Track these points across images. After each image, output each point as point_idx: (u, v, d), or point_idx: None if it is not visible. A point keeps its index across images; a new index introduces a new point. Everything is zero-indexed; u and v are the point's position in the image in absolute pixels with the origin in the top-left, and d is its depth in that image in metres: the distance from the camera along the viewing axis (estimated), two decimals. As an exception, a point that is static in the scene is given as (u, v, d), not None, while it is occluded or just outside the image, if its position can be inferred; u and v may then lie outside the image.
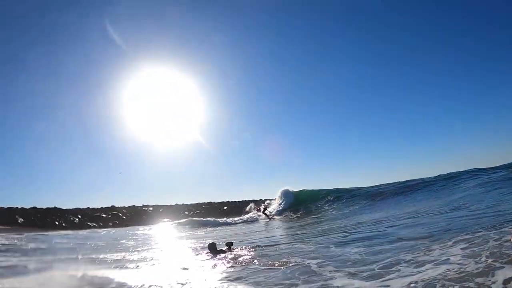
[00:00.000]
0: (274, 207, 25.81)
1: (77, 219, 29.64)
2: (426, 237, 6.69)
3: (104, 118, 63.60)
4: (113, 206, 34.75)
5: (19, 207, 29.11)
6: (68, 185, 60.83)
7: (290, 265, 5.29)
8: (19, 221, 28.46)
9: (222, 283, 4.62)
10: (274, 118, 74.83)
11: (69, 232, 22.21)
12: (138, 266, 6.19)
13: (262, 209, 23.92)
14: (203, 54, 61.30)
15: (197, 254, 7.68)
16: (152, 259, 7.02)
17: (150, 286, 4.58)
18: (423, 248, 5.49)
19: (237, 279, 4.81)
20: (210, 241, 8.59)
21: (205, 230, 18.20)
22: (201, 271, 5.59)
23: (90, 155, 66.27)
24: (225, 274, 5.14)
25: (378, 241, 6.94)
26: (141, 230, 20.83)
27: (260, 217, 23.20)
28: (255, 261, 6.07)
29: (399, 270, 4.35)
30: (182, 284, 4.61)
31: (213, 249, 7.81)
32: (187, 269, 5.64)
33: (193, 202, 38.88)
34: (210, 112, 60.17)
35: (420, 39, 63.60)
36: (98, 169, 68.37)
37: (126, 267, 6.00)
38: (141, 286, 4.55)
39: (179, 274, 5.30)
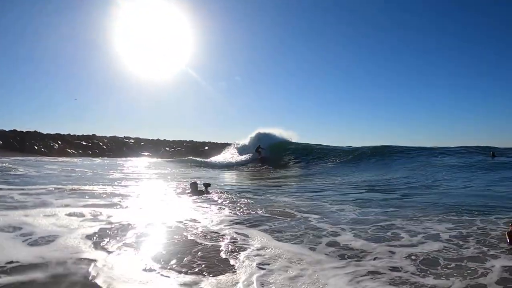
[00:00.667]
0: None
1: (56, 145, 29.73)
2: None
3: (93, 47, 61.37)
4: (94, 135, 34.85)
5: (-3, 129, 28.71)
6: (50, 110, 60.07)
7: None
8: (-4, 142, 28.44)
9: (233, 229, 4.54)
10: (268, 67, 74.11)
11: (53, 159, 22.31)
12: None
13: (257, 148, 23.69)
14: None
15: (178, 194, 7.92)
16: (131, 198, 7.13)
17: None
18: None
19: (253, 226, 4.71)
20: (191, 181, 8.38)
21: (183, 169, 18.55)
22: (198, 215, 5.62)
23: (74, 82, 64.71)
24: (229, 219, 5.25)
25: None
26: (120, 162, 20.99)
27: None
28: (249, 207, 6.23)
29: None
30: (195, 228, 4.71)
31: (195, 189, 7.63)
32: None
33: (175, 139, 39.26)
34: (203, 47, 58.50)
35: None
36: (81, 97, 67.24)
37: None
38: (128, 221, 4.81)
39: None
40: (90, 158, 26.02)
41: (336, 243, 3.91)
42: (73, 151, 30.00)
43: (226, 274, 2.95)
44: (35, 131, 30.04)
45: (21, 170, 11.55)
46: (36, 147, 27.76)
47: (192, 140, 39.82)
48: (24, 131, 29.27)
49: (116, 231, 4.20)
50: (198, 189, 7.73)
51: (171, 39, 46.75)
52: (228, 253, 3.48)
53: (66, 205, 5.58)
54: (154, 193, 8.16)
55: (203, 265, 3.13)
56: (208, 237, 4.11)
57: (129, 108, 69.59)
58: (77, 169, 13.64)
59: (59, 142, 30.35)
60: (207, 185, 8.12)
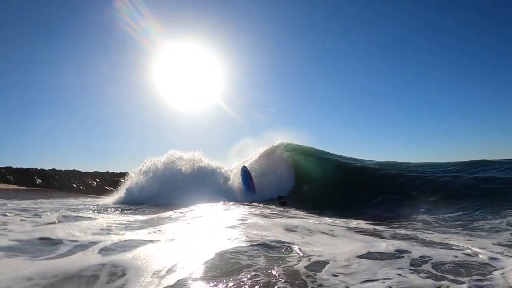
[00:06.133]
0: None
1: (95, 183, 28.91)
2: None
3: (132, 87, 63.02)
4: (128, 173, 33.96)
5: (38, 168, 28.32)
6: (87, 149, 61.10)
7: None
8: (37, 182, 27.84)
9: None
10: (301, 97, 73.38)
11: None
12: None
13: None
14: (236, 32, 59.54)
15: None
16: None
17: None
18: None
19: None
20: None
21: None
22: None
23: (108, 120, 66.08)
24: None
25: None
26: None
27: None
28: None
29: None
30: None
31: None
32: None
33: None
34: (236, 82, 58.50)
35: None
36: (118, 135, 68.28)
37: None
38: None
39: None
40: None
41: None
42: (111, 188, 29.03)
43: None
44: (73, 169, 29.43)
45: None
46: (74, 185, 26.93)
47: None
48: (63, 169, 28.69)
49: None
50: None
51: (205, 77, 46.90)
52: None
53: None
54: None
55: None
56: None
57: (165, 144, 69.66)
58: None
59: (97, 180, 29.51)
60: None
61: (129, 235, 5.30)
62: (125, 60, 60.18)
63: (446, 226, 6.76)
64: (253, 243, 4.20)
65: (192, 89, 47.62)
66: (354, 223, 6.39)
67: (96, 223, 6.79)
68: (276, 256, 3.77)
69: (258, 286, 2.91)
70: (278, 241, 4.35)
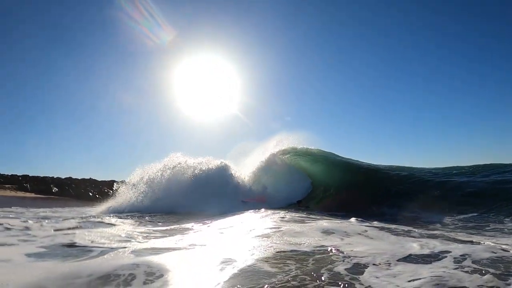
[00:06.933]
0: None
1: (111, 191, 29.20)
2: None
3: (150, 97, 63.88)
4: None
5: (54, 177, 28.75)
6: (104, 158, 62.02)
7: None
8: (53, 190, 28.26)
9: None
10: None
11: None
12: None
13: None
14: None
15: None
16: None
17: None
18: None
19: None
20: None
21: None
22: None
23: (125, 129, 67.07)
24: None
25: None
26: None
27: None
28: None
29: None
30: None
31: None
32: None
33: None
34: (252, 93, 58.66)
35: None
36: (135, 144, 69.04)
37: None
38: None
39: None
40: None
41: None
42: (127, 197, 29.34)
43: None
44: (90, 178, 29.78)
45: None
46: (90, 194, 27.22)
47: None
48: (80, 178, 29.06)
49: None
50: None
51: (222, 86, 47.24)
52: None
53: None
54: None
55: None
56: None
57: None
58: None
59: (114, 188, 29.79)
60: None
61: (160, 241, 5.31)
62: (144, 71, 60.97)
63: (466, 227, 6.69)
64: (296, 248, 4.16)
65: (208, 98, 47.98)
66: (381, 224, 6.30)
67: (119, 229, 6.81)
68: (320, 258, 3.71)
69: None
70: (320, 246, 4.30)
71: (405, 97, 66.62)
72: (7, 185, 28.63)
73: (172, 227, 7.37)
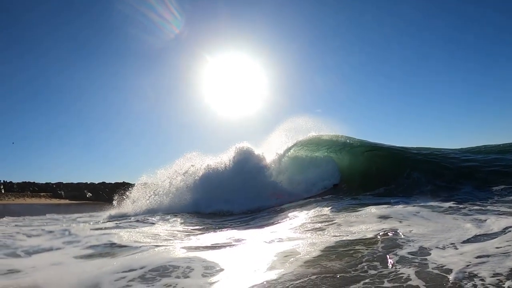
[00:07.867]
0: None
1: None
2: None
3: (177, 99, 65.10)
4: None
5: (88, 182, 29.47)
6: (135, 160, 63.54)
7: None
8: (87, 196, 29.02)
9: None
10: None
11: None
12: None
13: None
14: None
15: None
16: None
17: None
18: None
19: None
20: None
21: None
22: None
23: (157, 132, 68.46)
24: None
25: None
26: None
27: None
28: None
29: None
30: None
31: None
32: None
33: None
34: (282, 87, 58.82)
35: None
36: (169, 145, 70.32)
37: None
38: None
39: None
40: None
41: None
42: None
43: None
44: (123, 181, 30.37)
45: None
46: (124, 197, 27.77)
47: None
48: (113, 182, 29.66)
49: None
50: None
51: (250, 83, 47.38)
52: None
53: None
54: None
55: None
56: None
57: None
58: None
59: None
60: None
61: (205, 237, 5.17)
62: (171, 70, 62.08)
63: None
64: (356, 237, 3.90)
65: (237, 96, 48.11)
66: (429, 203, 5.91)
67: (158, 228, 6.70)
68: (386, 244, 3.44)
69: (376, 271, 2.70)
70: (380, 229, 4.00)
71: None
72: (42, 193, 29.66)
73: (209, 225, 7.20)
